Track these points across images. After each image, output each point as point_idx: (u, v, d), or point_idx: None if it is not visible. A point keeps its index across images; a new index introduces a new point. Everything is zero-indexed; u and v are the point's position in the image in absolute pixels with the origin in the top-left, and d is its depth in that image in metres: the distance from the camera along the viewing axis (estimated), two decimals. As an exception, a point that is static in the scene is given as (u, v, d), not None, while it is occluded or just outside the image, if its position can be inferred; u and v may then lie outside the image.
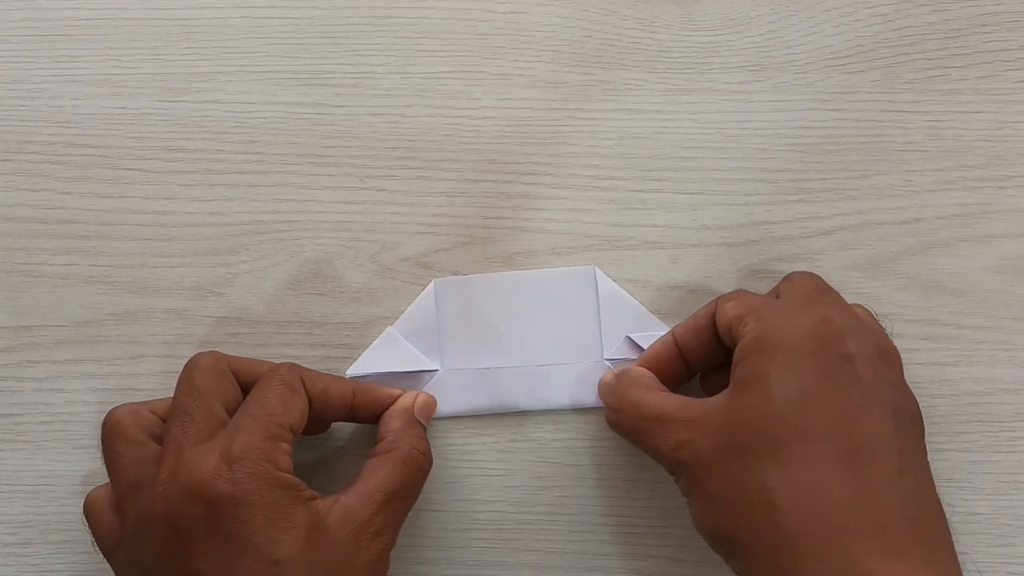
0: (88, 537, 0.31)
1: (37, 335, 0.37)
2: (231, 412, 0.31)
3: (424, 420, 0.34)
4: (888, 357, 0.31)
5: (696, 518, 0.30)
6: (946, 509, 0.29)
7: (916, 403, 0.31)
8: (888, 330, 0.32)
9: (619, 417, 0.32)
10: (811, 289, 0.32)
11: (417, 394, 0.35)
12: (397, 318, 0.36)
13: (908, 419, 0.30)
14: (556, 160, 0.37)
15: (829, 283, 0.33)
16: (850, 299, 0.36)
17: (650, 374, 0.33)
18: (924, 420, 0.31)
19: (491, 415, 0.36)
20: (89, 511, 0.31)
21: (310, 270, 0.37)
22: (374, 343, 0.36)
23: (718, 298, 0.33)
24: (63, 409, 0.36)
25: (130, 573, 0.30)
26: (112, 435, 0.31)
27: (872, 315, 0.33)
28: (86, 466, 0.36)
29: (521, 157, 0.37)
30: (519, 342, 0.36)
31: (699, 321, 0.33)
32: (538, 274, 0.36)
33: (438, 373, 0.36)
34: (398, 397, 0.34)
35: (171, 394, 0.31)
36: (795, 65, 0.37)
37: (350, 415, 0.34)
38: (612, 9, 0.38)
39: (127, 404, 0.32)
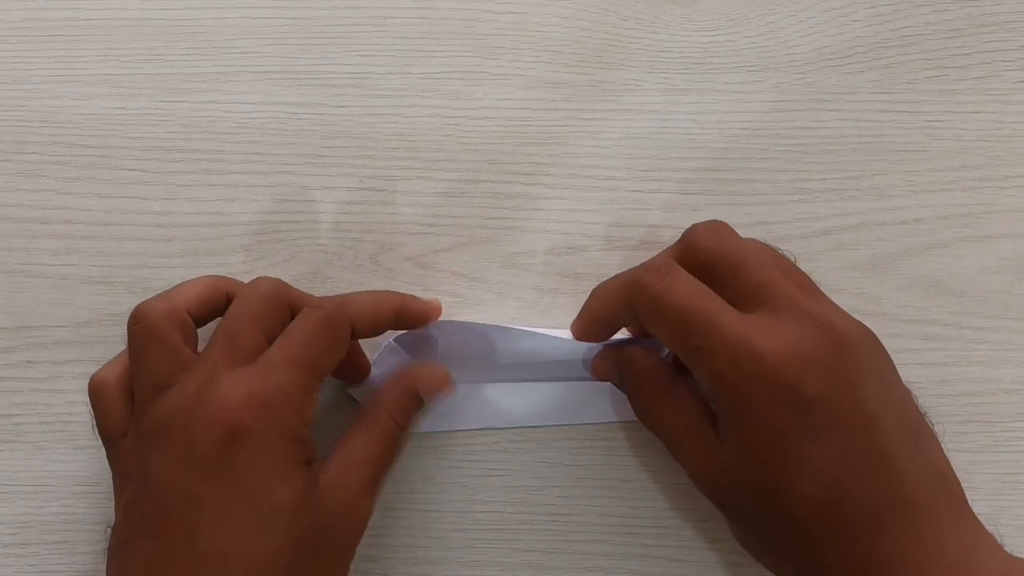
0: (83, 537, 0.31)
1: (37, 335, 0.37)
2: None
3: (425, 394, 0.34)
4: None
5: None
6: None
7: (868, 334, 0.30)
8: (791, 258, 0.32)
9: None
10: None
11: (431, 368, 0.34)
12: (397, 318, 0.36)
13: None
14: (556, 160, 0.37)
15: (827, 283, 0.32)
16: (850, 299, 0.36)
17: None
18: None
19: (491, 415, 0.36)
20: (98, 395, 0.31)
21: (310, 270, 0.37)
22: (375, 357, 0.35)
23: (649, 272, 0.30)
24: (63, 409, 0.36)
25: (128, 468, 0.29)
26: (145, 332, 0.30)
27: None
28: (86, 466, 0.36)
29: (521, 157, 0.37)
30: (518, 356, 0.35)
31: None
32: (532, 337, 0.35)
33: None
34: (435, 311, 0.35)
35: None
36: (795, 65, 0.37)
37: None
38: (612, 9, 0.38)
39: (161, 300, 0.30)
